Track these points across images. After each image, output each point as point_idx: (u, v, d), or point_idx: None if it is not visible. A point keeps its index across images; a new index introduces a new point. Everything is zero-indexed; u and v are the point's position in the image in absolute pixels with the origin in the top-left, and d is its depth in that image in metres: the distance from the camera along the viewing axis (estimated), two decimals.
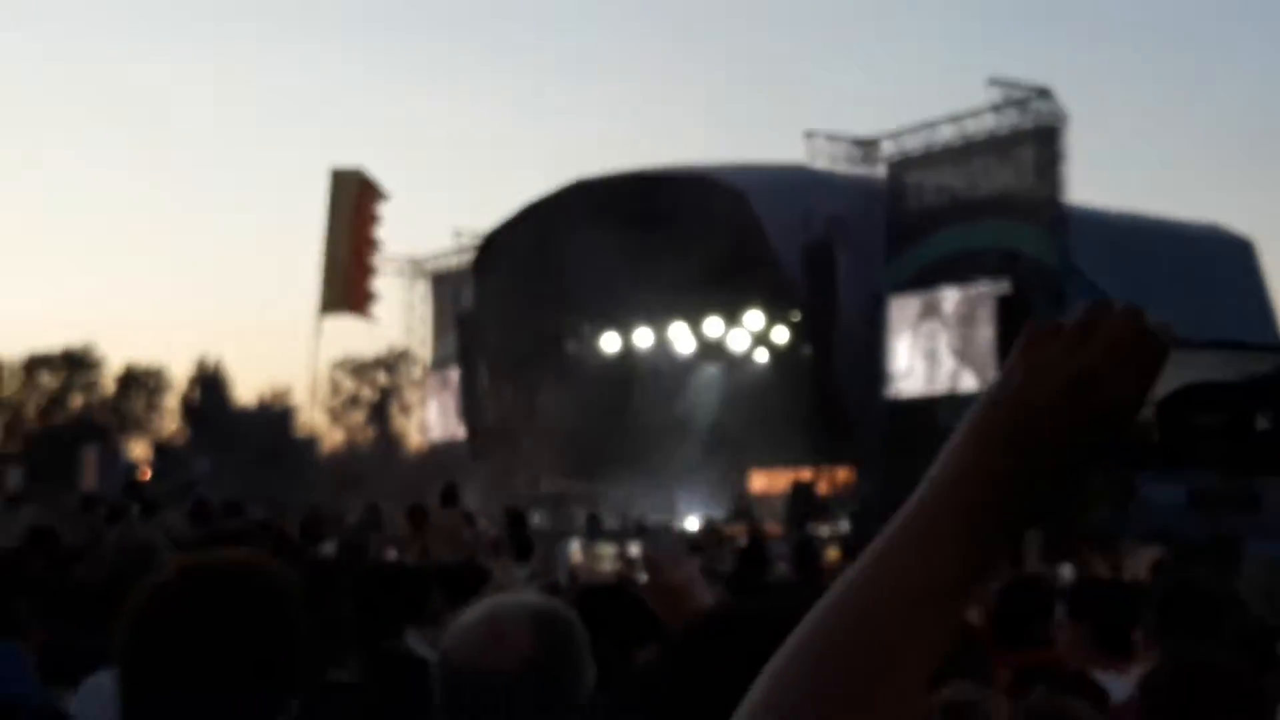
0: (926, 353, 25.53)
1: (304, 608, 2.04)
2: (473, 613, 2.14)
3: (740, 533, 17.85)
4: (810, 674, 0.93)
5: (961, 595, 0.94)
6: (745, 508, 24.83)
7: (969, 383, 24.43)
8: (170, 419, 52.68)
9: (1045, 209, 24.20)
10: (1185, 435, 0.93)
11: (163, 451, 40.05)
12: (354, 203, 27.86)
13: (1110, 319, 0.94)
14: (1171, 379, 0.93)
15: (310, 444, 43.34)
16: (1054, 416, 0.93)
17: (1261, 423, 0.92)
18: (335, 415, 50.70)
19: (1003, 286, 23.60)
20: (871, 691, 0.91)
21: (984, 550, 0.94)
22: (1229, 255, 28.31)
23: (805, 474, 25.65)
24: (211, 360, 52.80)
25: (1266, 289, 28.68)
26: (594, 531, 18.35)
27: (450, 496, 13.46)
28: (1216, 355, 0.95)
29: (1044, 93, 24.64)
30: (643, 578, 2.95)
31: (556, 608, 2.19)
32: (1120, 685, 4.01)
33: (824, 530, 19.66)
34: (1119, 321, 0.94)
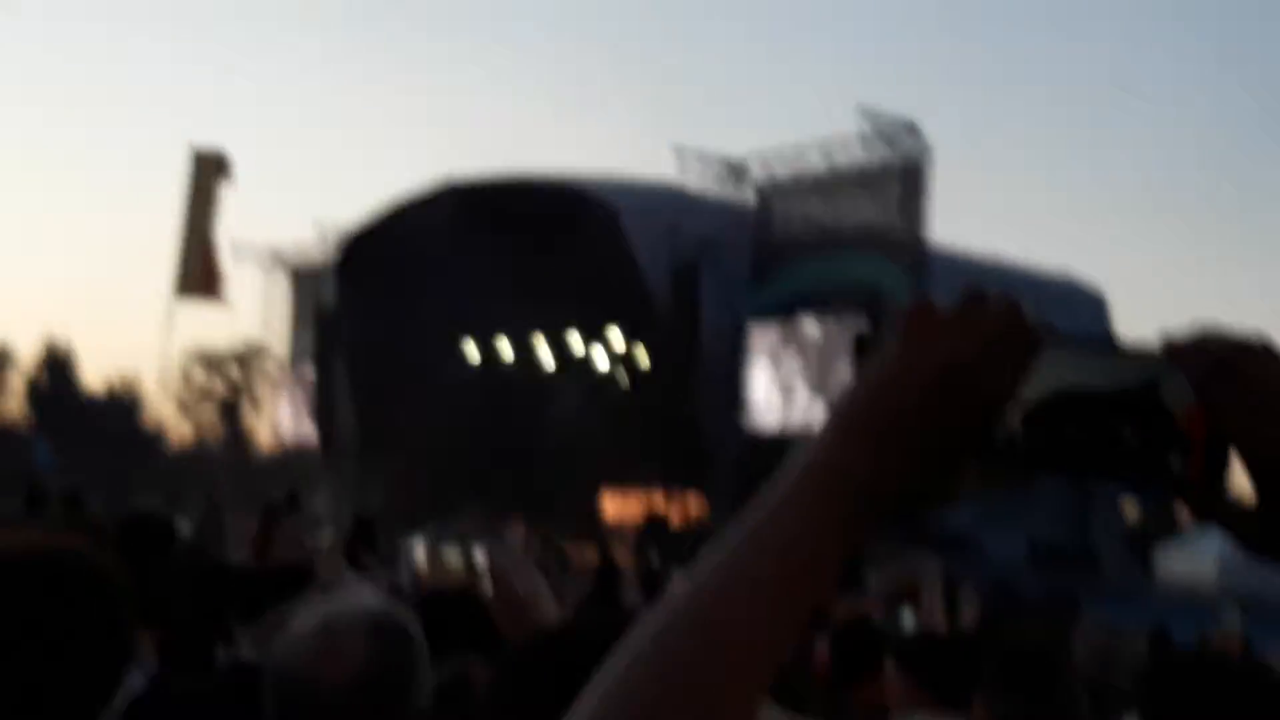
0: (783, 385, 25.66)
1: (122, 596, 1.90)
2: (305, 619, 2.05)
3: (589, 555, 17.80)
4: (642, 682, 0.88)
5: (810, 588, 0.91)
6: (596, 530, 24.82)
7: (823, 414, 24.63)
8: (14, 400, 51.23)
9: (907, 246, 24.51)
10: (1050, 441, 0.91)
11: (4, 435, 38.97)
12: (215, 185, 27.32)
13: (988, 309, 0.93)
14: (1043, 378, 0.91)
15: (158, 437, 42.47)
16: (923, 404, 0.91)
17: (1127, 436, 0.90)
18: (186, 408, 49.66)
19: (861, 322, 23.84)
20: (707, 699, 0.88)
21: (837, 540, 0.91)
22: (1082, 306, 28.97)
23: (658, 500, 25.68)
24: (61, 342, 51.51)
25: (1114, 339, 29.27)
26: (441, 534, 18.11)
27: (293, 503, 13.31)
28: (1088, 357, 0.92)
29: (911, 128, 24.96)
30: (487, 586, 2.67)
31: (393, 615, 2.11)
32: None
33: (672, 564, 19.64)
34: (997, 312, 0.93)
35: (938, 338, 0.92)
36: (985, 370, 0.91)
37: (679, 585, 0.93)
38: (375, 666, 1.99)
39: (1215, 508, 0.89)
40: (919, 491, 0.93)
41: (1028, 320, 0.93)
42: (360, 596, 2.30)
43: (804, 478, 0.93)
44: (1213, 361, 0.89)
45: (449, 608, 2.90)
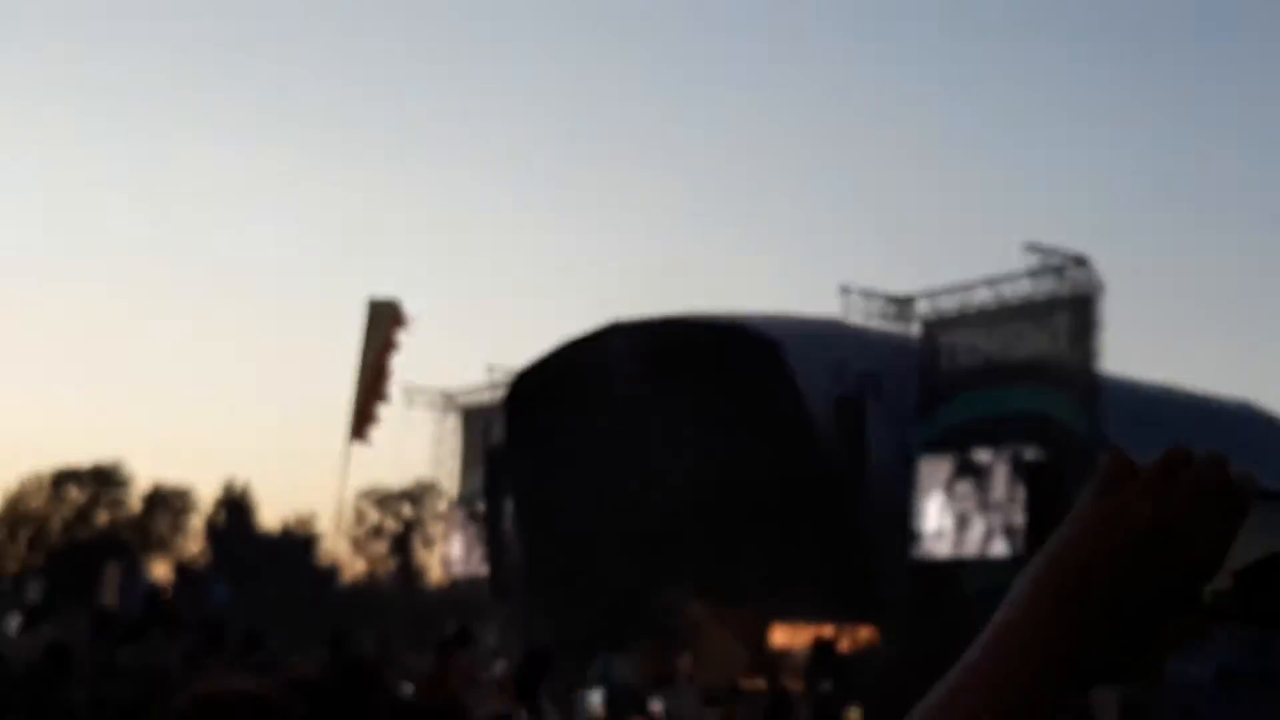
0: (957, 515, 25.38)
1: None
2: None
3: (760, 687, 17.67)
4: None
5: None
6: (766, 661, 24.53)
7: (999, 548, 24.28)
8: (194, 540, 52.69)
9: (1078, 377, 24.20)
10: (1263, 600, 0.87)
11: (185, 573, 40.04)
12: (387, 333, 28.09)
13: (1192, 466, 0.88)
14: (1251, 536, 0.87)
15: (332, 573, 43.23)
16: (1125, 566, 0.87)
17: None
18: (358, 545, 50.60)
19: (1033, 453, 23.53)
20: None
21: (1048, 698, 0.87)
22: (1261, 432, 28.20)
23: (827, 631, 25.40)
24: (238, 483, 52.98)
25: None
26: (608, 671, 18.08)
27: (464, 637, 13.43)
28: None
29: (1080, 260, 24.78)
30: None
31: None
32: None
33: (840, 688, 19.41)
34: (1202, 470, 0.87)
35: (1138, 496, 0.87)
36: (1191, 532, 0.86)
37: None
38: None
39: None
40: (1122, 659, 0.89)
41: (1235, 477, 0.88)
42: None
43: (998, 648, 0.89)
44: None
45: None
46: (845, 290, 28.80)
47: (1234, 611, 0.88)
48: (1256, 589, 0.87)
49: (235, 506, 52.17)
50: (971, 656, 0.90)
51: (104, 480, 54.65)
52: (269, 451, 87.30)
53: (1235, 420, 27.73)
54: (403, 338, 28.62)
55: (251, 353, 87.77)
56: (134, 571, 28.92)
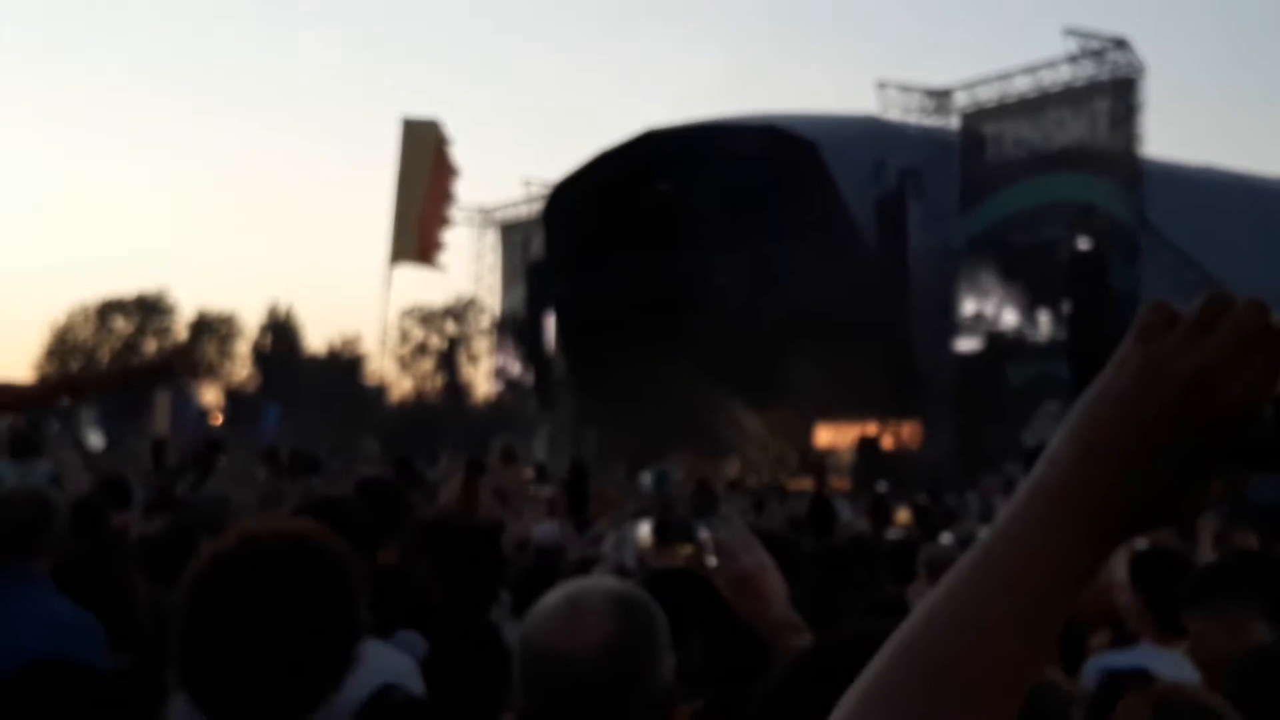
0: (1001, 307, 25.26)
1: (358, 583, 2.08)
2: (553, 595, 2.10)
3: (807, 486, 17.79)
4: (911, 690, 0.87)
5: (1062, 607, 0.88)
6: (813, 462, 24.74)
7: (1043, 337, 24.20)
8: (242, 365, 53.19)
9: (1120, 162, 23.87)
10: None
11: (234, 397, 40.49)
12: (429, 154, 27.87)
13: (1232, 313, 0.86)
14: None
15: (379, 392, 43.63)
16: (1168, 418, 0.86)
17: None
18: (404, 364, 50.96)
19: (1076, 241, 23.33)
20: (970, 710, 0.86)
21: (1077, 568, 0.88)
22: None
23: (871, 429, 25.53)
24: (283, 307, 53.23)
25: None
26: (665, 519, 18.18)
27: (510, 456, 13.48)
28: None
29: (1121, 43, 24.28)
30: (713, 562, 2.70)
31: (637, 593, 2.14)
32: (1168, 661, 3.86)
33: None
34: (1242, 316, 0.86)
35: (1178, 346, 0.86)
36: (1232, 380, 0.85)
37: (916, 610, 0.90)
38: (621, 640, 2.02)
39: None
40: (1166, 507, 0.89)
41: (1275, 321, 0.86)
42: (600, 577, 2.36)
43: (1041, 501, 0.88)
44: None
45: (676, 585, 2.82)
46: (882, 85, 28.36)
47: (1270, 460, 0.87)
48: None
49: (281, 330, 52.48)
50: (1011, 509, 0.89)
51: (149, 309, 55.06)
52: (312, 275, 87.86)
53: (1277, 199, 27.22)
54: (445, 157, 28.39)
55: (292, 176, 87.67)
56: (184, 399, 29.27)
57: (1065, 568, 0.87)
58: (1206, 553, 6.06)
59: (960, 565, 0.90)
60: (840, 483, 19.78)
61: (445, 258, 28.25)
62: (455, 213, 34.16)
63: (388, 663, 2.87)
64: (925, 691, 0.86)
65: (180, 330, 55.17)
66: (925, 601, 0.90)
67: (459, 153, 28.31)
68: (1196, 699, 2.28)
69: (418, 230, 27.04)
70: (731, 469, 26.16)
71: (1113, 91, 24.30)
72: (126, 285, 63.89)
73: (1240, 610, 3.53)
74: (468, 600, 4.12)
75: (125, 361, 39.74)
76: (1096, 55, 24.52)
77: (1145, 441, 0.86)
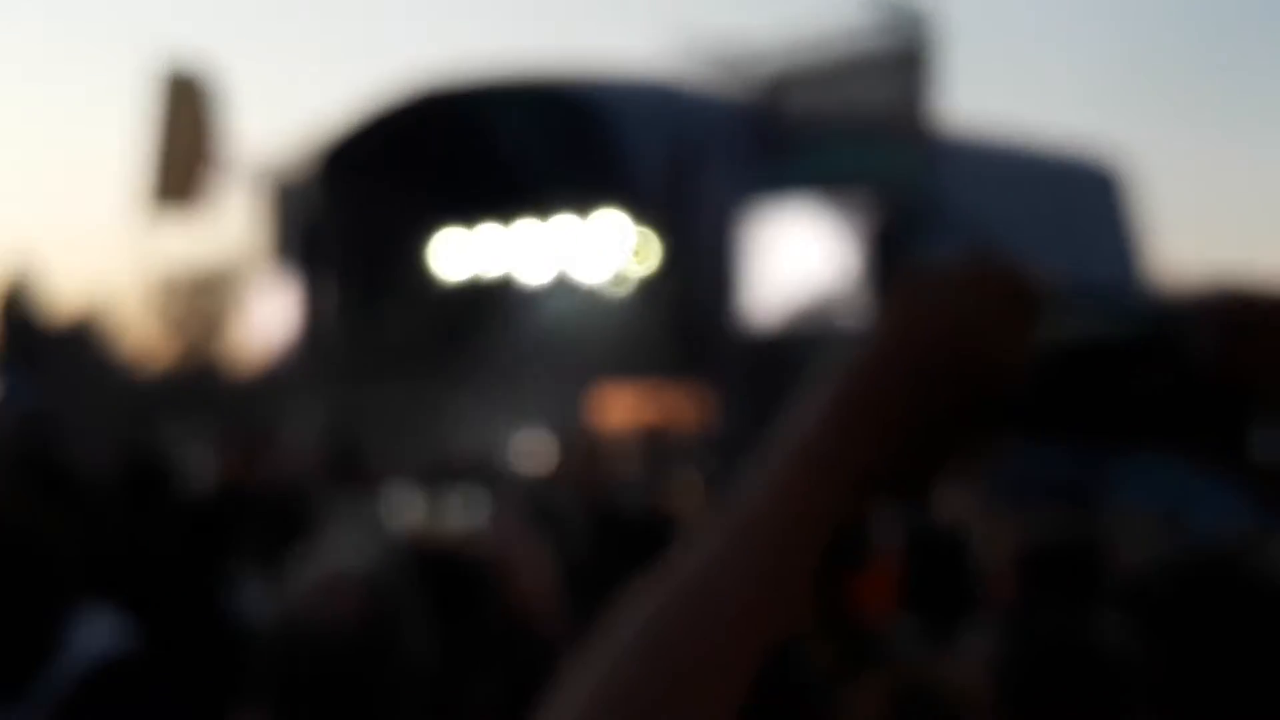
0: (791, 277, 25.01)
1: (65, 561, 2.08)
2: (306, 566, 2.16)
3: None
4: (605, 698, 0.81)
5: (806, 570, 0.86)
6: (592, 452, 24.28)
7: (836, 315, 24.11)
8: None
9: (914, 133, 24.04)
10: (1058, 400, 0.85)
11: None
12: (192, 107, 26.77)
13: (989, 271, 0.88)
14: (1050, 337, 0.86)
15: (135, 363, 41.89)
16: (924, 375, 0.86)
17: (1140, 386, 0.83)
18: (166, 331, 48.94)
19: (869, 212, 23.42)
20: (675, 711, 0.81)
21: (826, 533, 0.86)
22: (1095, 187, 28.52)
23: (658, 406, 25.15)
24: (28, 270, 50.61)
25: (1130, 224, 28.82)
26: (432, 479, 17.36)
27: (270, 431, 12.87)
28: (1100, 313, 0.86)
29: (915, 14, 24.40)
30: (485, 549, 2.83)
31: (391, 567, 2.17)
32: None
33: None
34: (997, 274, 0.88)
35: (932, 306, 0.87)
36: (985, 339, 0.86)
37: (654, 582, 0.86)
38: (372, 614, 2.04)
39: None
40: (919, 473, 0.88)
41: (1031, 280, 0.87)
42: (356, 549, 2.36)
43: (792, 464, 0.88)
44: (1240, 316, 0.82)
45: (445, 569, 2.84)
46: (676, 45, 28.06)
47: (1030, 423, 0.87)
48: (1048, 393, 0.85)
49: (22, 297, 49.85)
50: (763, 469, 0.88)
51: None
52: (57, 237, 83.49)
53: (1071, 172, 27.89)
54: (209, 114, 27.03)
55: (35, 126, 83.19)
56: None
57: (819, 526, 0.86)
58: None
59: (710, 521, 0.88)
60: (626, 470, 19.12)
61: (214, 220, 26.96)
62: (227, 173, 32.78)
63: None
64: (669, 647, 0.83)
65: None
66: (674, 553, 0.87)
67: (230, 109, 27.08)
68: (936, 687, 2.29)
69: (176, 176, 25.70)
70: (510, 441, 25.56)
71: (907, 61, 24.44)
72: None
73: None
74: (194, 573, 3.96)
75: None
76: (893, 25, 24.68)
77: (901, 399, 0.86)
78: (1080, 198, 27.38)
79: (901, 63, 24.36)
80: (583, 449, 24.00)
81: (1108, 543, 4.43)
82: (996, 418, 0.86)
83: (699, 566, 0.85)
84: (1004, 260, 0.88)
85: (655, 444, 23.10)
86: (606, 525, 5.62)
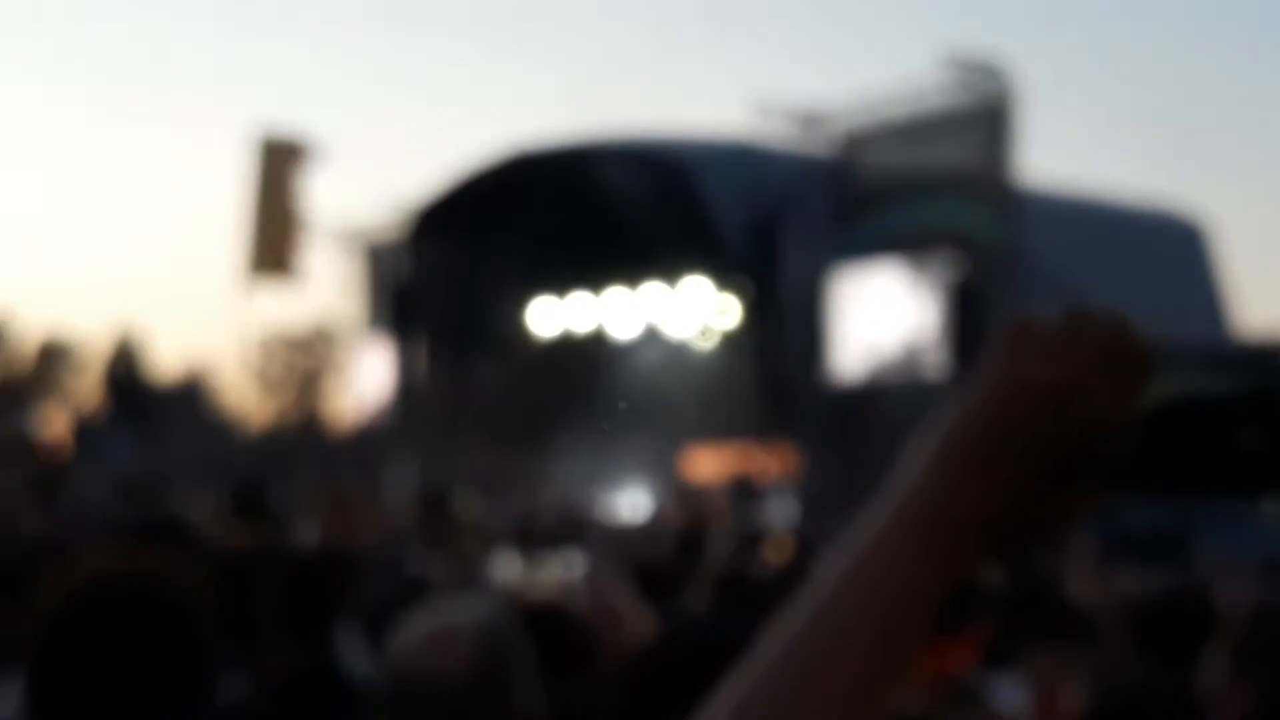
0: (875, 333, 25.11)
1: (214, 623, 2.09)
2: (419, 620, 2.14)
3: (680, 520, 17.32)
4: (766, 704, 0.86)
5: (911, 634, 0.88)
6: (687, 496, 24.42)
7: (919, 369, 24.12)
8: (90, 395, 51.50)
9: (996, 189, 23.99)
10: (1163, 456, 0.86)
11: (83, 428, 38.97)
12: (288, 173, 27.38)
13: (1094, 327, 0.88)
14: (1156, 393, 0.87)
15: (234, 424, 42.60)
16: (1028, 432, 0.86)
17: (1247, 441, 0.84)
18: (263, 393, 49.74)
19: (951, 268, 23.41)
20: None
21: (939, 582, 0.87)
22: (1179, 241, 28.31)
23: (746, 460, 25.25)
24: (134, 334, 51.77)
25: (1215, 277, 28.62)
26: (527, 540, 17.64)
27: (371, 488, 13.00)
28: (1197, 368, 0.88)
29: (995, 72, 24.45)
30: (581, 601, 2.90)
31: (500, 619, 2.19)
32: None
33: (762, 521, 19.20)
34: (1104, 330, 0.87)
35: (1040, 359, 0.87)
36: (1092, 393, 0.86)
37: (772, 629, 0.89)
38: (486, 665, 2.05)
39: None
40: (1028, 523, 0.88)
41: (1137, 336, 0.87)
42: (463, 604, 2.43)
43: (902, 514, 0.88)
44: None
45: (544, 623, 2.86)
46: (757, 109, 28.19)
47: (1134, 478, 0.87)
48: (1152, 448, 0.86)
49: (131, 358, 51.01)
50: (870, 528, 0.89)
51: None
52: (164, 300, 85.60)
53: (1155, 228, 27.73)
54: (305, 177, 27.72)
55: (142, 192, 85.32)
56: (27, 428, 28.07)
57: (926, 586, 0.87)
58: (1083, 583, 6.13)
59: (819, 583, 0.89)
60: (717, 515, 19.31)
61: (309, 281, 27.58)
62: (321, 235, 33.52)
63: None
64: (784, 705, 0.85)
65: (28, 356, 53.37)
66: (783, 622, 0.88)
67: (324, 173, 27.73)
68: None
69: (274, 244, 26.40)
70: (601, 502, 25.74)
71: (987, 118, 24.39)
72: None
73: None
74: (301, 630, 4.02)
75: None
76: (971, 83, 24.69)
77: (1008, 455, 0.87)
78: (1166, 251, 27.19)
79: (981, 118, 24.38)
80: (681, 500, 24.36)
81: (1210, 591, 4.51)
82: (1101, 473, 0.87)
83: (813, 628, 0.87)
84: (1109, 315, 0.88)
85: (744, 495, 23.22)
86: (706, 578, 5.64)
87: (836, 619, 0.86)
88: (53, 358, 52.50)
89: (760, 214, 25.00)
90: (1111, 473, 0.87)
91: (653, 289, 26.91)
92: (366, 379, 35.11)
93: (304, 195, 27.17)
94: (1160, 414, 0.86)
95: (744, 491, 23.47)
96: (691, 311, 26.83)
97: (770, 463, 25.39)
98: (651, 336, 27.64)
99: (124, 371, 50.20)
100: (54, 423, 36.81)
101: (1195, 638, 3.59)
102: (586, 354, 27.75)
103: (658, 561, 9.87)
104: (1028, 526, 0.88)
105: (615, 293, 27.56)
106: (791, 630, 0.87)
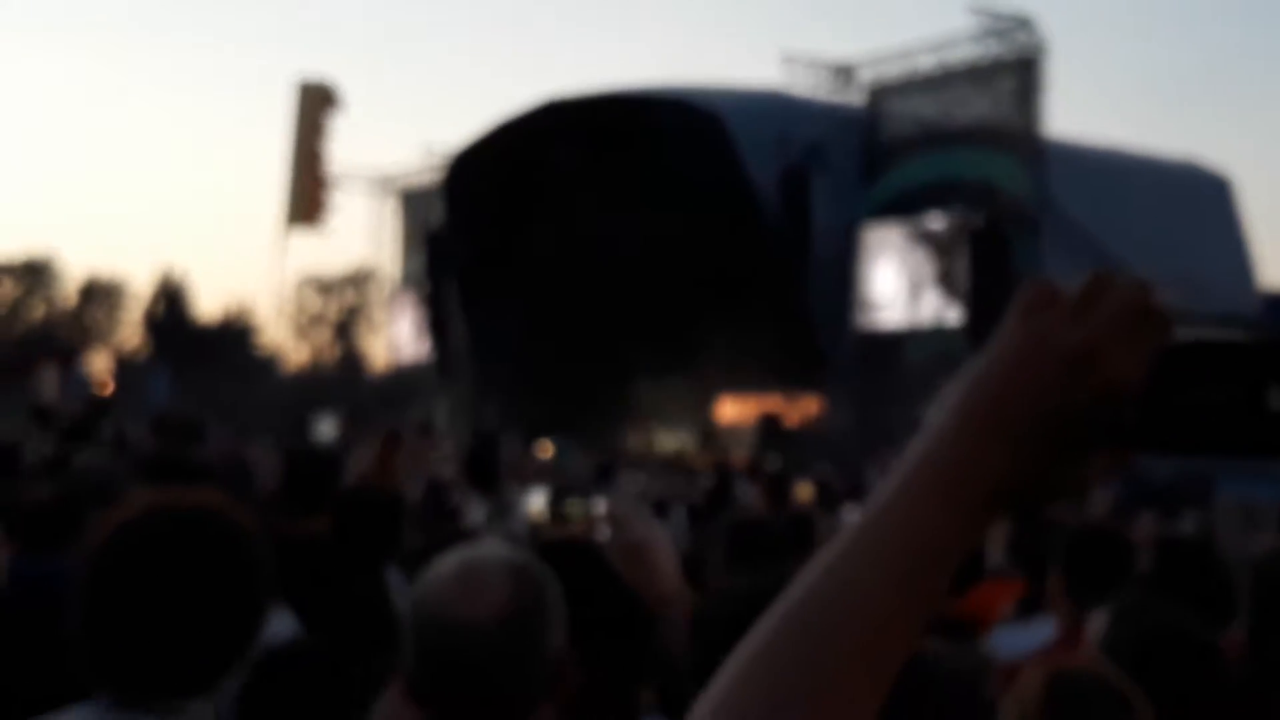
0: (902, 283, 25.35)
1: (264, 554, 2.12)
2: (446, 562, 2.10)
3: (708, 463, 17.64)
4: (754, 694, 0.88)
5: (942, 580, 0.90)
6: (712, 437, 24.78)
7: (943, 315, 24.29)
8: (132, 332, 52.10)
9: (1023, 140, 24.02)
10: (1188, 416, 0.86)
11: (124, 365, 39.63)
12: (320, 116, 27.68)
13: (1115, 291, 0.88)
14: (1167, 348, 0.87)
15: (273, 361, 42.98)
16: (1050, 394, 0.87)
17: (1276, 400, 0.83)
18: (300, 332, 50.23)
19: (977, 218, 23.49)
20: (821, 709, 0.88)
21: (957, 539, 0.89)
22: (1206, 192, 28.25)
23: (773, 403, 25.55)
24: (174, 273, 52.21)
25: (1241, 227, 28.66)
26: (559, 490, 18.02)
27: (425, 429, 13.31)
28: (1217, 332, 0.87)
29: (1024, 22, 24.44)
30: (605, 534, 2.80)
31: (531, 561, 2.15)
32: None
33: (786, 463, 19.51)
34: (1124, 295, 0.88)
35: (1060, 322, 0.88)
36: (1113, 358, 0.87)
37: (802, 576, 0.91)
38: (516, 608, 2.04)
39: None
40: (1046, 484, 0.90)
41: (1157, 300, 0.88)
42: (493, 544, 2.35)
43: (923, 473, 0.90)
44: None
45: (568, 556, 2.74)
46: (787, 59, 28.31)
47: (1149, 436, 0.87)
48: (1169, 411, 0.86)
49: (172, 297, 51.48)
50: (891, 486, 0.91)
51: (37, 273, 53.77)
52: (203, 240, 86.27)
53: (1181, 180, 27.69)
54: (336, 121, 28.07)
55: (183, 138, 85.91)
56: (72, 368, 28.57)
57: (946, 542, 0.89)
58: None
59: (841, 538, 0.91)
60: (741, 457, 19.70)
61: (344, 224, 28.03)
62: (356, 180, 33.91)
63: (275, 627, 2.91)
64: (801, 667, 0.88)
65: (69, 295, 53.98)
66: (805, 574, 0.91)
67: (358, 118, 28.32)
68: (1094, 674, 2.29)
69: (305, 192, 26.84)
70: (633, 442, 26.08)
71: (1015, 70, 24.41)
72: (12, 249, 62.22)
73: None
74: (358, 565, 4.06)
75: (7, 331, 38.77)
76: (1000, 34, 24.64)
77: (1028, 417, 0.88)
78: (1193, 202, 27.22)
79: (1011, 68, 24.45)
80: (709, 442, 24.68)
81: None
82: (1118, 431, 0.87)
83: (835, 580, 0.89)
84: (1131, 282, 0.88)
85: (771, 438, 23.48)
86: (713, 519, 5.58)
87: (859, 566, 0.88)
88: (94, 297, 53.18)
89: (791, 163, 25.17)
90: (1128, 430, 0.87)
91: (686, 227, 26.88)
92: (400, 322, 35.61)
93: (337, 137, 27.57)
94: (1173, 370, 0.86)
95: (771, 434, 23.80)
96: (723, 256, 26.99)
97: (797, 409, 25.75)
98: (681, 282, 27.79)
99: (164, 311, 50.83)
100: (97, 361, 37.39)
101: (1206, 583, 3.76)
102: (618, 303, 27.89)
103: (693, 503, 10.28)
104: (1048, 485, 0.89)
105: (645, 232, 27.55)
106: (816, 576, 0.90)
